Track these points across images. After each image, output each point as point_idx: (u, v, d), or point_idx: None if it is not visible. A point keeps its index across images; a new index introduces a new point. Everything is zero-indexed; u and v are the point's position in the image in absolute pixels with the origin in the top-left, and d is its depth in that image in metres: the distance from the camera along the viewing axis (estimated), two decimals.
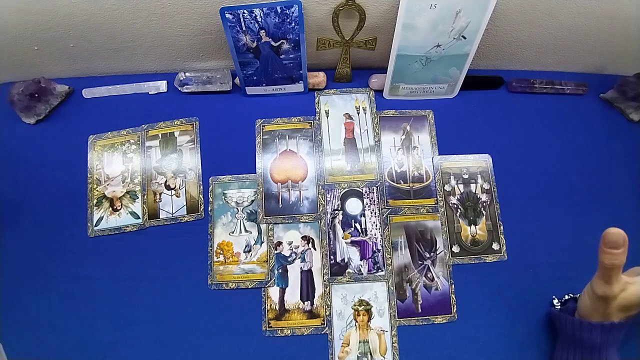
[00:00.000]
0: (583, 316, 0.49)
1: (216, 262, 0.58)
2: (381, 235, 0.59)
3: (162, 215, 0.60)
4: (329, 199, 0.60)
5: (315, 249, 0.58)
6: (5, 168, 0.62)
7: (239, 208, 0.60)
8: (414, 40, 0.56)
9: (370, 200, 0.60)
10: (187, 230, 0.59)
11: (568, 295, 0.56)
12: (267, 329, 0.55)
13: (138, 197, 0.61)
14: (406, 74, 0.61)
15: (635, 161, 0.64)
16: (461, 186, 0.61)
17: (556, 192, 0.62)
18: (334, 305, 0.56)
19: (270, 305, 0.56)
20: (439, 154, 0.63)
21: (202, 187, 0.61)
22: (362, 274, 0.58)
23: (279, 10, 0.53)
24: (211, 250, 0.58)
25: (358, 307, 0.56)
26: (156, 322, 0.56)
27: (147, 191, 0.61)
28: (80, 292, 0.57)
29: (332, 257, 0.58)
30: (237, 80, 0.64)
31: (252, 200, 0.60)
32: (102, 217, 0.60)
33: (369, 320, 0.56)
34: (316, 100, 0.65)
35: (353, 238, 0.59)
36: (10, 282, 0.57)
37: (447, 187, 0.61)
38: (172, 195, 0.61)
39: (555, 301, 0.56)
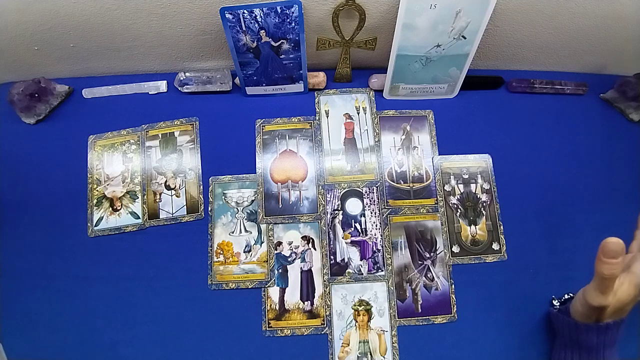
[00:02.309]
0: (577, 319, 0.49)
1: (216, 262, 0.58)
2: (381, 235, 0.59)
3: (162, 215, 0.60)
4: (329, 199, 0.60)
5: (315, 249, 0.58)
6: (5, 168, 0.62)
7: (239, 208, 0.60)
8: (414, 40, 0.56)
9: (370, 200, 0.60)
10: (187, 230, 0.59)
11: (567, 295, 0.56)
12: (267, 329, 0.55)
13: (138, 197, 0.61)
14: (406, 74, 0.61)
15: (635, 161, 0.64)
16: (461, 186, 0.61)
17: (556, 192, 0.62)
18: (334, 305, 0.56)
19: (270, 305, 0.56)
20: (439, 154, 0.63)
21: (202, 187, 0.61)
22: (362, 274, 0.58)
23: (279, 10, 0.53)
24: (211, 250, 0.58)
25: (358, 307, 0.56)
26: (156, 322, 0.56)
27: (147, 191, 0.61)
28: (80, 292, 0.57)
29: (332, 257, 0.58)
30: (237, 80, 0.64)
31: (252, 200, 0.60)
32: (102, 217, 0.60)
33: (369, 320, 0.56)
34: (316, 100, 0.65)
35: (353, 238, 0.59)
36: (10, 282, 0.57)
37: (447, 187, 0.61)
38: (172, 195, 0.61)
39: (555, 301, 0.56)
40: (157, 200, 0.60)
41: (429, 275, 0.58)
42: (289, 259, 0.58)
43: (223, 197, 0.60)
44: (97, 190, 0.61)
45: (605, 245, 0.42)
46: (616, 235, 0.59)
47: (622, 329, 0.47)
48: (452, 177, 0.62)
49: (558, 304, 0.55)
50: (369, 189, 0.61)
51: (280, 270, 0.58)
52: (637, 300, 0.46)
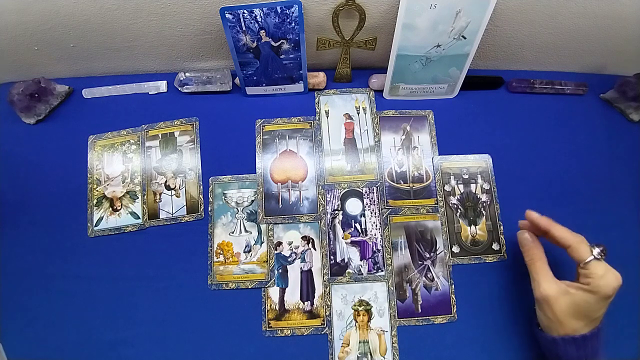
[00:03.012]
0: (548, 331, 0.48)
1: (216, 262, 0.58)
2: (381, 236, 0.59)
3: (162, 215, 0.60)
4: (329, 199, 0.60)
5: (315, 249, 0.58)
6: (5, 168, 0.62)
7: (239, 208, 0.60)
8: (414, 40, 0.56)
9: (370, 201, 0.60)
10: (187, 230, 0.59)
11: None
12: (267, 329, 0.55)
13: (138, 197, 0.61)
14: (406, 74, 0.61)
15: (635, 161, 0.64)
16: (461, 186, 0.61)
17: (556, 192, 0.62)
18: (334, 305, 0.56)
19: (270, 305, 0.56)
20: (439, 154, 0.63)
21: (202, 187, 0.61)
22: (362, 274, 0.58)
23: (279, 10, 0.53)
24: (211, 250, 0.58)
25: (358, 307, 0.56)
26: (156, 322, 0.56)
27: (147, 191, 0.61)
28: (80, 292, 0.57)
29: (332, 257, 0.58)
30: (237, 80, 0.64)
31: (252, 201, 0.60)
32: (102, 217, 0.60)
33: (369, 321, 0.56)
34: (316, 100, 0.65)
35: (353, 238, 0.59)
36: (10, 282, 0.57)
37: (447, 187, 0.61)
38: (172, 196, 0.61)
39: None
40: (157, 201, 0.60)
41: (429, 276, 0.58)
42: (289, 259, 0.58)
43: (223, 197, 0.60)
44: (97, 191, 0.61)
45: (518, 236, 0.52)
46: (616, 234, 0.60)
47: (601, 338, 0.46)
48: (452, 177, 0.62)
49: None
50: (369, 189, 0.61)
51: (280, 271, 0.58)
52: (604, 307, 0.45)
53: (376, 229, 0.59)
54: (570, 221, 0.61)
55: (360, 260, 0.58)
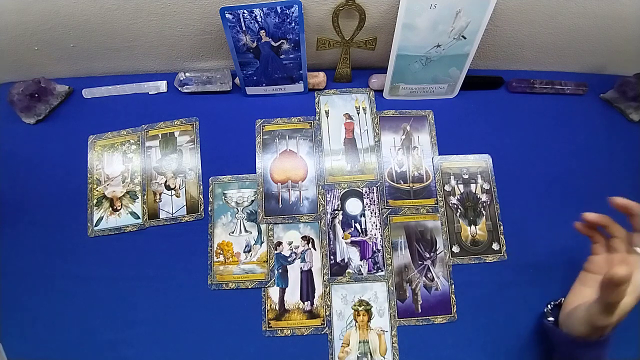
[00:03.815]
0: (569, 331, 0.47)
1: (216, 262, 0.58)
2: (381, 235, 0.59)
3: (162, 215, 0.60)
4: (329, 199, 0.60)
5: (315, 249, 0.58)
6: (5, 168, 0.62)
7: (239, 208, 0.60)
8: (414, 40, 0.56)
9: (370, 201, 0.60)
10: (187, 230, 0.59)
11: (550, 305, 0.54)
12: (267, 329, 0.55)
13: (138, 197, 0.61)
14: (406, 74, 0.61)
15: (635, 161, 0.64)
16: (461, 186, 0.61)
17: (556, 192, 0.62)
18: (334, 305, 0.56)
19: (270, 305, 0.56)
20: (439, 154, 0.63)
21: (202, 187, 0.61)
22: (362, 274, 0.58)
23: (279, 10, 0.53)
24: (211, 250, 0.58)
25: (358, 307, 0.56)
26: (156, 322, 0.56)
27: (147, 191, 0.61)
28: (80, 292, 0.57)
29: (332, 257, 0.58)
30: (237, 80, 0.64)
31: (252, 201, 0.60)
32: (102, 217, 0.60)
33: (369, 321, 0.56)
34: (316, 100, 0.65)
35: (353, 238, 0.59)
36: (10, 282, 0.57)
37: (447, 187, 0.61)
38: (172, 196, 0.61)
39: (548, 308, 0.54)
40: (157, 200, 0.60)
41: (429, 275, 0.58)
42: (289, 259, 0.58)
43: (223, 197, 0.60)
44: (97, 190, 0.61)
45: (616, 278, 0.39)
46: None
47: (611, 340, 0.46)
48: (452, 177, 0.62)
49: (551, 314, 0.53)
50: (369, 189, 0.61)
51: (280, 270, 0.58)
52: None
53: (376, 229, 0.59)
54: (570, 221, 0.61)
55: (360, 260, 0.58)
